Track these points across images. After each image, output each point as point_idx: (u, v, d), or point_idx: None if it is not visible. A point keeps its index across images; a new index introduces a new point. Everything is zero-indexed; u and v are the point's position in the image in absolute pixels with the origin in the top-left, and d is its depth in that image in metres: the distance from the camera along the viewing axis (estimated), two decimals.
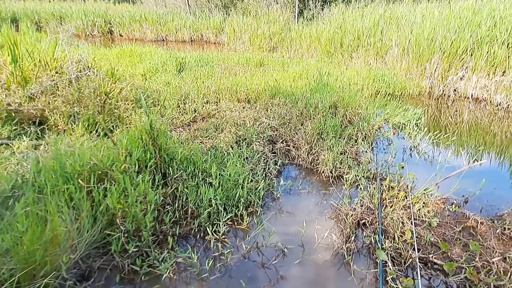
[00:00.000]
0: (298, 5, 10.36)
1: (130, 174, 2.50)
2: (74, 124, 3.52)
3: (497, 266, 2.14)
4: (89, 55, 5.02)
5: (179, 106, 4.24)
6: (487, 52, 5.78)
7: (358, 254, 2.28)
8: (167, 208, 2.46)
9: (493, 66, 5.76)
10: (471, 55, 6.00)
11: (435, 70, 6.21)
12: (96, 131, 3.52)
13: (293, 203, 2.82)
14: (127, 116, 3.86)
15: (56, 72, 4.23)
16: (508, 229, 2.48)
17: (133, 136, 2.75)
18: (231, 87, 4.68)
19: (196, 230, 2.36)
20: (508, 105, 5.42)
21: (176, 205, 2.50)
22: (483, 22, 6.05)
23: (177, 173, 2.71)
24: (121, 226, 2.18)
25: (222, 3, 12.62)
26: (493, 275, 2.06)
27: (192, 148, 3.03)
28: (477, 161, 3.46)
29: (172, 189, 2.61)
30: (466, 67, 6.04)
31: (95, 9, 13.77)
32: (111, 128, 3.66)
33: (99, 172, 2.47)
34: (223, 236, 2.33)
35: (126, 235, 2.17)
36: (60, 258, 1.87)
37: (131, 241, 2.15)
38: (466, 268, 2.10)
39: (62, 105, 3.65)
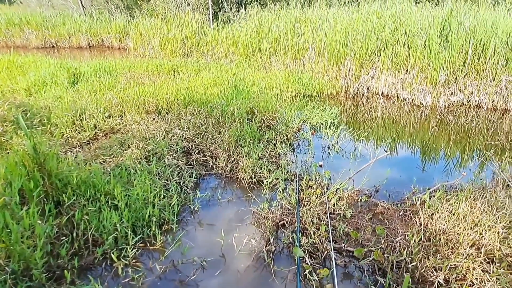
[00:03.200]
0: (212, 7, 10.85)
1: (11, 208, 2.39)
2: None
3: (399, 244, 2.66)
4: None
5: (74, 123, 4.09)
6: (392, 53, 6.99)
7: (278, 255, 2.57)
8: (63, 239, 2.40)
9: (397, 65, 6.99)
10: (379, 55, 7.17)
11: (349, 70, 7.23)
12: None
13: (212, 214, 3.01)
14: (7, 140, 3.59)
15: None
16: (409, 210, 3.09)
17: (13, 164, 2.63)
18: (137, 98, 4.70)
19: (100, 258, 2.36)
20: (412, 99, 6.63)
21: (75, 234, 2.45)
22: (387, 25, 7.31)
23: (73, 199, 2.65)
24: (6, 268, 2.08)
25: (124, 4, 12.41)
26: (396, 253, 2.56)
27: (92, 170, 2.99)
28: (385, 153, 4.20)
29: (68, 218, 2.55)
30: (376, 67, 7.19)
31: None
32: None
33: None
34: (134, 260, 2.38)
35: (13, 276, 2.07)
36: None
37: (20, 282, 2.06)
38: (374, 251, 2.57)
39: None
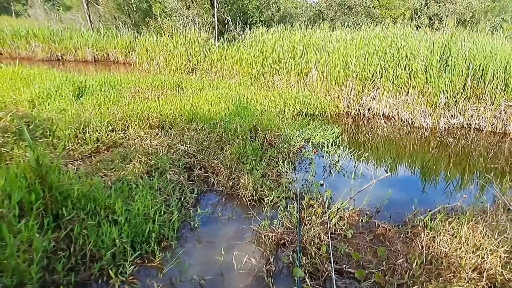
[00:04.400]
0: (218, 26, 11.09)
1: (8, 220, 2.37)
2: None
3: (401, 267, 2.62)
4: None
5: (77, 136, 4.10)
6: (393, 75, 7.09)
7: (278, 275, 2.52)
8: (60, 254, 2.36)
9: (398, 87, 7.08)
10: (380, 77, 7.27)
11: (351, 91, 7.32)
12: None
13: (212, 231, 2.97)
14: (7, 151, 3.60)
15: None
16: (410, 232, 3.06)
17: (13, 175, 2.62)
18: (141, 113, 4.73)
19: (97, 274, 2.32)
20: (413, 121, 6.68)
21: (72, 249, 2.42)
22: (388, 49, 7.46)
23: (73, 213, 2.63)
24: None
25: (131, 21, 12.69)
26: (397, 276, 2.51)
27: (92, 183, 2.97)
28: (386, 173, 4.19)
29: (67, 232, 2.52)
30: (377, 88, 7.28)
31: None
32: None
33: None
34: (131, 277, 2.34)
35: None
36: None
37: None
38: (375, 273, 2.53)
39: None
